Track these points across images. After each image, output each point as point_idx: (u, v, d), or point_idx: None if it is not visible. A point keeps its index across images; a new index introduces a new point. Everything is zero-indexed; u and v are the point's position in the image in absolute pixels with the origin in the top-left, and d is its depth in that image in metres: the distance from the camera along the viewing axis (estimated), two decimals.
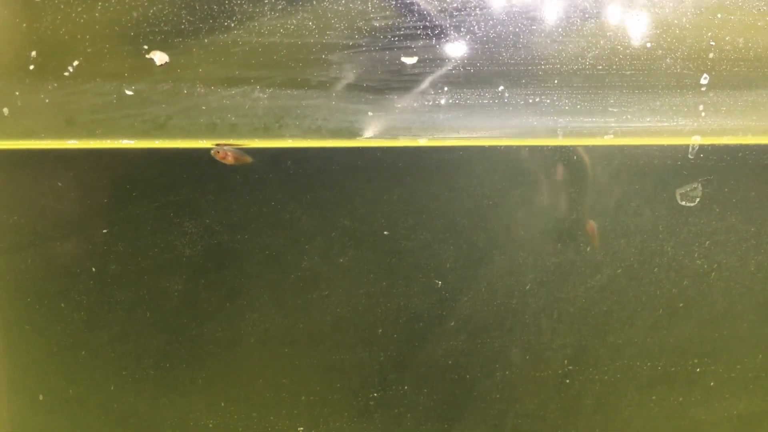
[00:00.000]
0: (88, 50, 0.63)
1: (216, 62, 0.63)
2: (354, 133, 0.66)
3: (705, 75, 0.65)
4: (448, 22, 0.63)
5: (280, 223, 0.69)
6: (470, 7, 0.63)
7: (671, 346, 0.74)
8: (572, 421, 0.76)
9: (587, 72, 0.65)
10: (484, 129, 0.66)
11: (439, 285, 0.71)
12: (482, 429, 0.76)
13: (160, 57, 0.63)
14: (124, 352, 0.72)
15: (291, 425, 0.75)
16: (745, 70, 0.65)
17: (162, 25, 0.62)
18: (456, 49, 0.64)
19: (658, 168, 0.68)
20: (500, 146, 0.67)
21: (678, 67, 0.65)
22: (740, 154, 0.68)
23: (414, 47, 0.64)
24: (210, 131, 0.65)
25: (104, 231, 0.69)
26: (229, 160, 0.66)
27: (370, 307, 0.72)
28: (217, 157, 0.66)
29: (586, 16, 0.64)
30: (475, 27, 0.64)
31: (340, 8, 0.62)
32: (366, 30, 0.63)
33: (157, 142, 0.66)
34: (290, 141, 0.66)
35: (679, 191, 0.69)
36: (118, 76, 0.64)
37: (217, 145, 0.65)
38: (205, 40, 0.63)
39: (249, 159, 0.66)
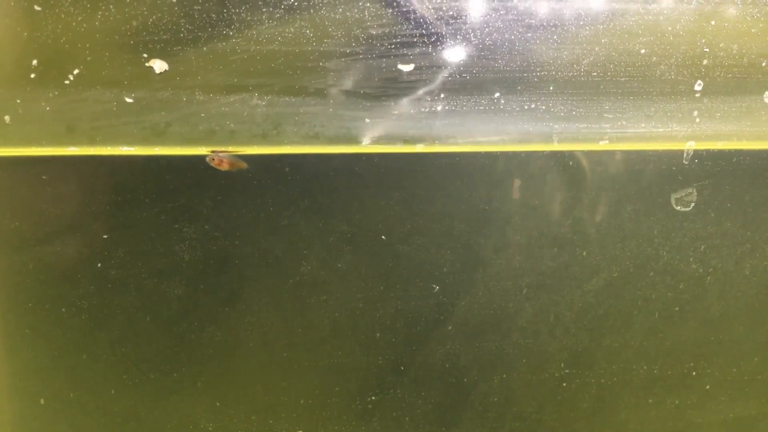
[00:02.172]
0: (89, 58, 0.63)
1: (215, 70, 0.64)
2: (351, 140, 0.66)
3: (699, 81, 0.66)
4: (445, 29, 0.64)
5: (279, 229, 0.69)
6: (466, 15, 0.64)
7: (667, 349, 0.74)
8: (569, 424, 0.76)
9: (582, 79, 0.65)
10: (481, 135, 0.67)
11: (437, 289, 0.72)
12: None
13: (159, 65, 0.63)
14: (124, 356, 0.73)
15: (290, 428, 0.75)
16: (738, 77, 0.66)
17: (161, 33, 0.63)
18: (452, 56, 0.65)
19: (653, 173, 0.69)
20: (496, 152, 0.68)
21: (672, 73, 0.65)
22: (735, 159, 0.69)
23: (411, 55, 0.64)
24: (209, 138, 0.66)
25: (104, 236, 0.69)
26: (225, 166, 0.66)
27: (368, 311, 0.72)
28: (213, 164, 0.66)
29: (581, 23, 0.64)
30: (471, 34, 0.64)
31: (337, 16, 0.63)
32: (363, 38, 0.63)
33: (156, 149, 0.66)
34: (288, 147, 0.67)
35: (674, 196, 0.70)
36: (118, 84, 0.64)
37: (213, 152, 0.66)
38: (204, 48, 0.63)
39: (244, 165, 0.67)
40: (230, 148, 0.66)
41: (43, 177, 0.68)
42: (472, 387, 0.75)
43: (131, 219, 0.69)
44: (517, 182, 0.68)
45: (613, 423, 0.76)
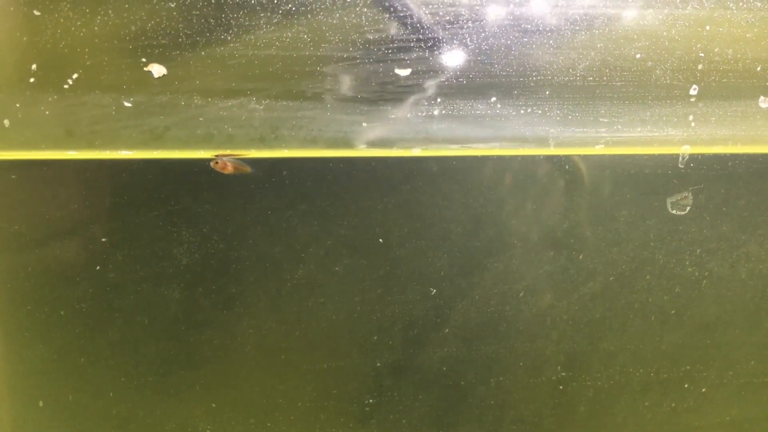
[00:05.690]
0: (88, 63, 0.64)
1: (213, 74, 0.64)
2: (349, 144, 0.67)
3: (694, 86, 0.66)
4: (441, 34, 0.64)
5: (277, 232, 0.69)
6: (463, 20, 0.64)
7: (663, 352, 0.75)
8: (566, 427, 0.76)
9: (578, 83, 0.66)
10: (477, 139, 0.67)
11: (434, 292, 0.72)
12: None
13: (157, 69, 0.64)
14: (122, 359, 0.73)
15: (287, 431, 0.75)
16: (733, 81, 0.66)
17: (160, 38, 0.63)
18: (449, 61, 0.65)
19: (649, 177, 0.69)
20: (493, 156, 0.68)
21: (668, 78, 0.66)
22: (730, 164, 0.69)
23: (407, 59, 0.65)
24: (207, 142, 0.66)
25: (103, 240, 0.69)
26: (229, 170, 0.67)
27: (365, 314, 0.72)
28: (217, 168, 0.66)
29: (577, 28, 0.65)
30: (468, 39, 0.64)
31: (335, 21, 0.63)
32: (360, 42, 0.64)
33: (155, 152, 0.66)
34: (286, 151, 0.67)
35: (669, 200, 0.70)
36: (117, 88, 0.64)
37: (217, 156, 0.66)
38: (202, 53, 0.64)
39: (248, 169, 0.67)
40: (234, 152, 0.66)
41: (43, 181, 0.68)
42: (470, 390, 0.75)
43: (130, 222, 0.69)
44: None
45: (610, 426, 0.76)
